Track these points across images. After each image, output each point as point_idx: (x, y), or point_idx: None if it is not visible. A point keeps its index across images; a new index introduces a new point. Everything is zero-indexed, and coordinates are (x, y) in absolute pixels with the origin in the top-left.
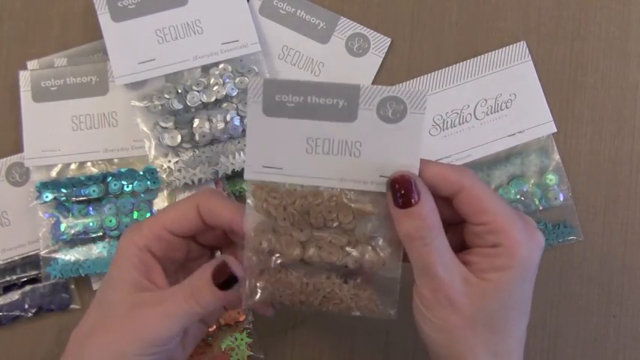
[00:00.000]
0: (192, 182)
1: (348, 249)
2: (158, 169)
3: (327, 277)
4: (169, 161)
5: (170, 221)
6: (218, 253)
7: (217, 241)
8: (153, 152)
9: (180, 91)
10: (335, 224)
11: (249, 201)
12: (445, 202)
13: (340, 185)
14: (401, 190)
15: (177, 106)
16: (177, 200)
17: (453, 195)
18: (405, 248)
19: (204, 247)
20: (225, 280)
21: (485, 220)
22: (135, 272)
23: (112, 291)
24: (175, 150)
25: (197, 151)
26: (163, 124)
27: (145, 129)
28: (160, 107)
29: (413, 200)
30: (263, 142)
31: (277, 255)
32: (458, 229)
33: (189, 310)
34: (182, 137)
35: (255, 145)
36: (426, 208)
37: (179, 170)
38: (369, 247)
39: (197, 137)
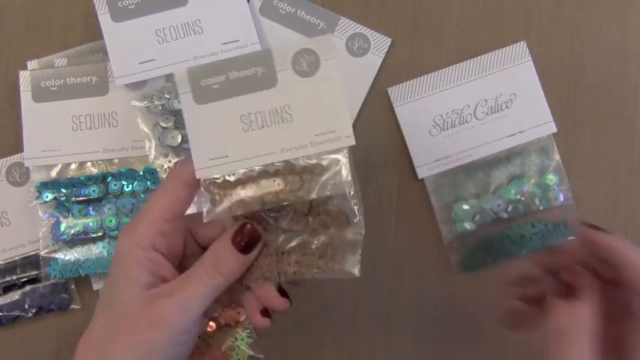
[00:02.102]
0: None
1: (310, 218)
2: (158, 169)
3: (298, 243)
4: (169, 161)
5: (164, 209)
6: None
7: (214, 239)
8: (153, 152)
9: None
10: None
11: (204, 199)
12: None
13: (283, 157)
14: (571, 278)
15: (178, 106)
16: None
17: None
18: (548, 341)
19: (200, 247)
20: (248, 242)
21: None
22: (144, 272)
23: (121, 292)
24: (176, 150)
25: None
26: (164, 124)
27: (145, 129)
28: (160, 107)
29: (575, 293)
30: (203, 133)
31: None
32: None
33: (213, 284)
34: (182, 137)
35: (197, 138)
36: (588, 305)
37: None
38: (330, 208)
39: None
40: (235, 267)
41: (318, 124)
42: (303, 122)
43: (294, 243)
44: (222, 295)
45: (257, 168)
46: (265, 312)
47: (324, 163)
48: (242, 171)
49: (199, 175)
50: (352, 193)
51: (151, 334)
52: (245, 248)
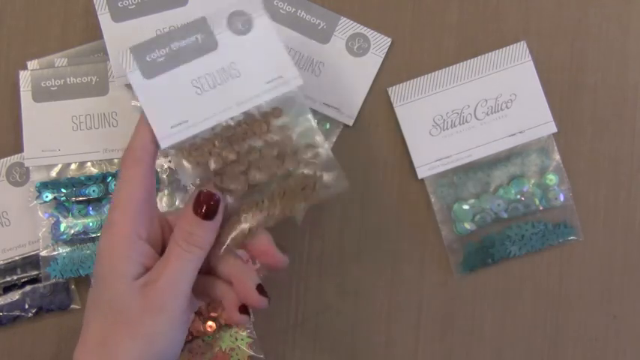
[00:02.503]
0: None
1: (279, 161)
2: (158, 169)
3: (274, 187)
4: (170, 161)
5: (134, 195)
6: None
7: None
8: None
9: None
10: (257, 142)
11: (179, 168)
12: None
13: (240, 109)
14: None
15: None
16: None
17: None
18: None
19: None
20: (209, 207)
21: None
22: (132, 264)
23: (110, 290)
24: None
25: None
26: None
27: None
28: None
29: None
30: (158, 105)
31: (229, 194)
32: None
33: (193, 258)
34: None
35: (153, 110)
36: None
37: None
38: (296, 145)
39: None
40: (205, 234)
41: (265, 74)
42: (251, 75)
43: (270, 189)
44: (199, 288)
45: (219, 124)
46: (244, 309)
47: (281, 106)
48: (206, 131)
49: (164, 144)
50: (316, 123)
51: (150, 323)
52: (208, 214)
